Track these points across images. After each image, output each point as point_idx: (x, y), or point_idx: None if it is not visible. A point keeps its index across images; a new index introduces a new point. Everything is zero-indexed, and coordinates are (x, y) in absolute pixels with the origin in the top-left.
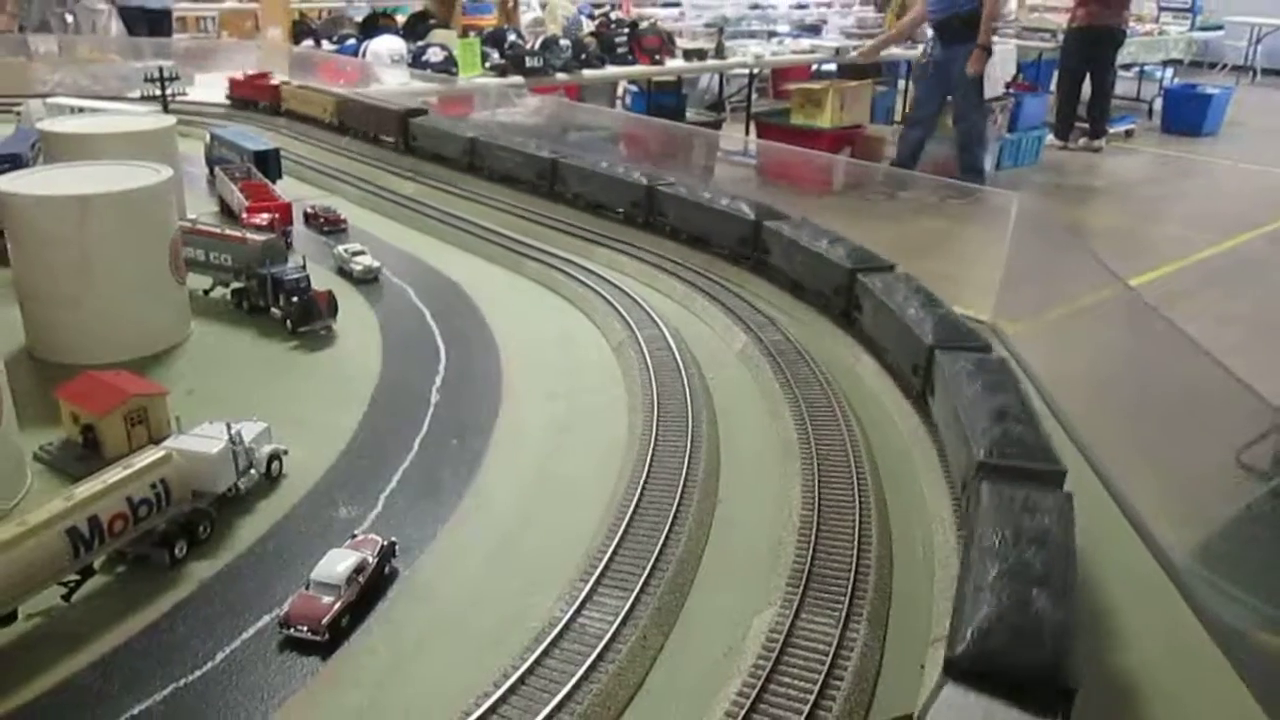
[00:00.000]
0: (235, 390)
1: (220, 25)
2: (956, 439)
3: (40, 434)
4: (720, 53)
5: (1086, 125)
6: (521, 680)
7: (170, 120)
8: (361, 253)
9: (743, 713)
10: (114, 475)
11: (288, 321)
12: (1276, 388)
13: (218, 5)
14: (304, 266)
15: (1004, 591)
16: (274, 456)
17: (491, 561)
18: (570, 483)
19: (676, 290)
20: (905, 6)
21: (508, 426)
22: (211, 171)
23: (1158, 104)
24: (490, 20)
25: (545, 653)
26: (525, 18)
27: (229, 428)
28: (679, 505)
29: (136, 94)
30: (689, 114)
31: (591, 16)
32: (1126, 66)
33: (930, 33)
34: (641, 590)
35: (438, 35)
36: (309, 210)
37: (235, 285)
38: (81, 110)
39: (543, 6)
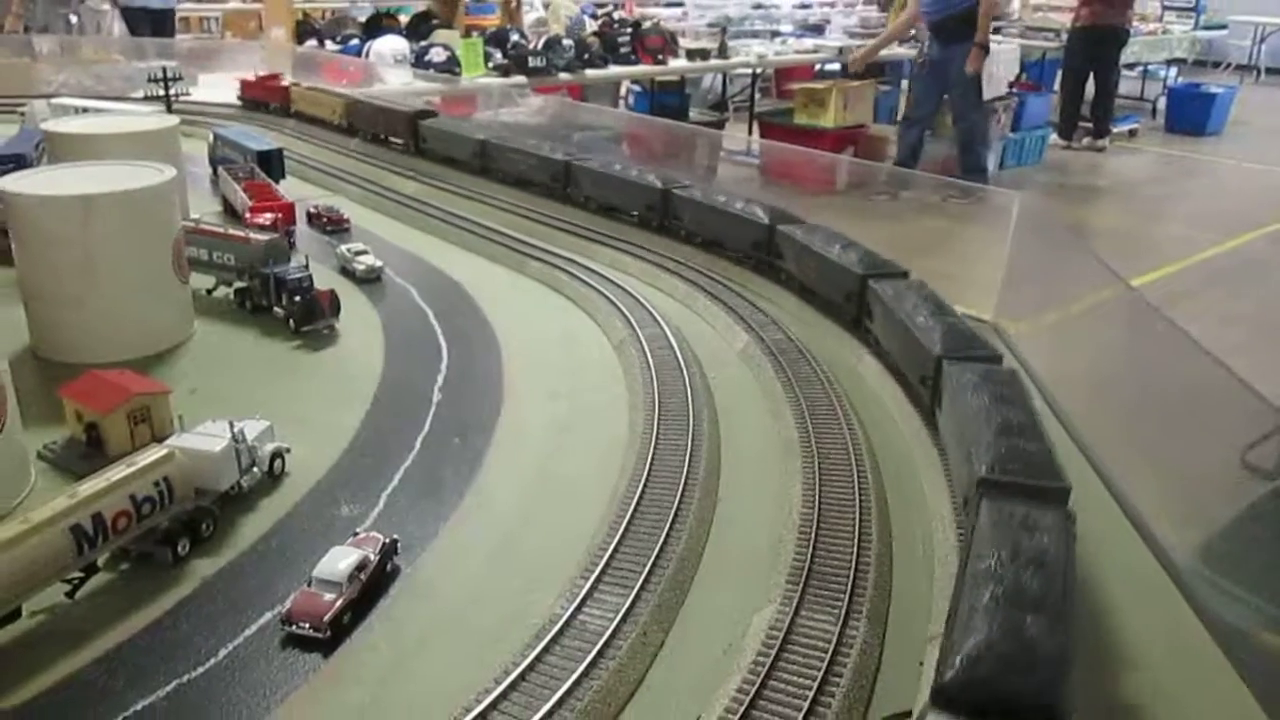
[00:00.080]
0: (238, 389)
1: (224, 25)
2: (960, 453)
3: (44, 433)
4: (723, 52)
5: (1090, 125)
6: (522, 677)
7: (173, 120)
8: (364, 252)
9: (742, 709)
10: (117, 473)
11: (290, 321)
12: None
13: (221, 6)
14: (307, 266)
15: (997, 616)
16: (276, 455)
17: (493, 559)
18: (571, 481)
19: (679, 289)
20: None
21: (509, 425)
22: (215, 171)
23: (1161, 103)
24: (493, 20)
25: (546, 649)
26: (528, 18)
27: (232, 426)
28: (680, 503)
29: (140, 94)
30: (692, 114)
31: (594, 16)
32: (1130, 66)
33: (926, 32)
34: (642, 587)
35: (441, 35)
36: (312, 210)
37: (238, 285)
38: (85, 110)
39: (545, 6)
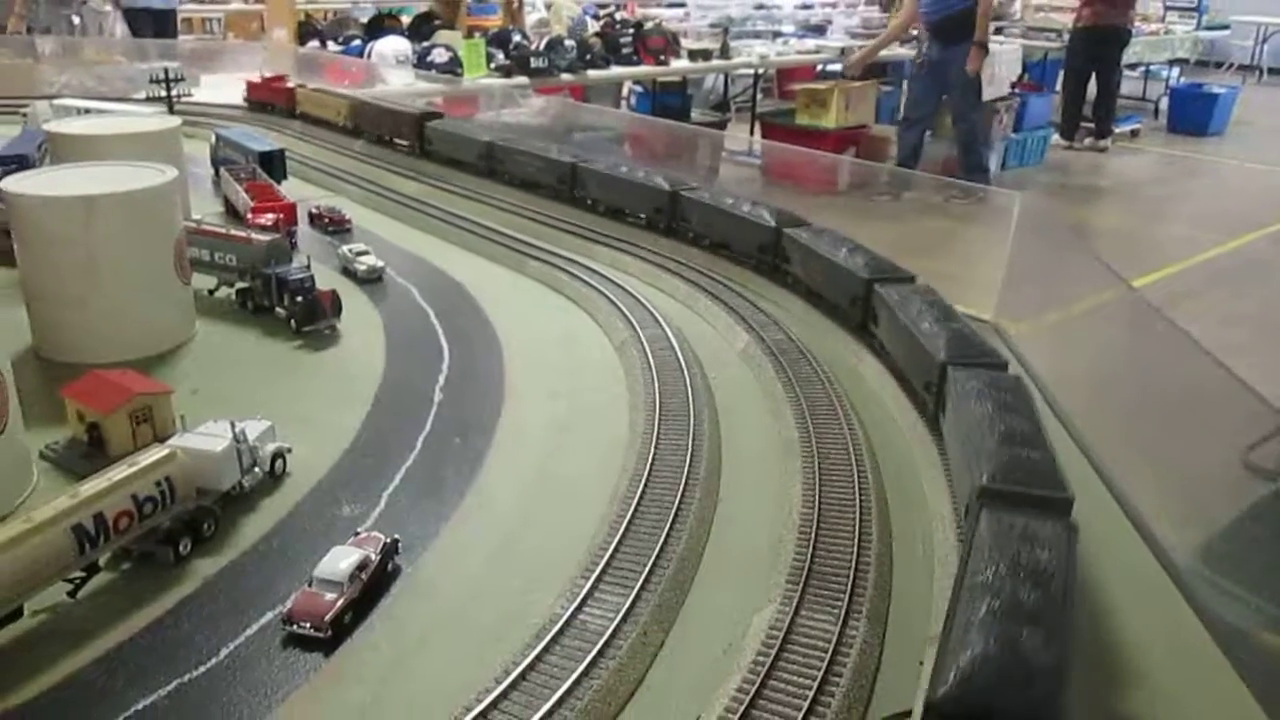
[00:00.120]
0: (240, 389)
1: (226, 26)
2: (963, 461)
3: (46, 432)
4: (725, 53)
5: (1092, 125)
6: (523, 676)
7: (175, 121)
8: (366, 253)
9: (742, 709)
10: (119, 473)
11: (292, 321)
12: None
13: (223, 7)
14: (308, 266)
15: (993, 630)
16: (278, 455)
17: (493, 559)
18: (572, 481)
19: (680, 290)
20: None
21: (510, 425)
22: (217, 172)
23: (1163, 103)
24: (495, 21)
25: (546, 649)
26: (530, 18)
27: (233, 426)
28: (680, 503)
29: (142, 95)
30: (694, 114)
31: (596, 17)
32: (1132, 66)
33: (924, 33)
34: (642, 587)
35: (443, 36)
36: (313, 210)
37: (240, 285)
38: (88, 111)
39: (548, 7)
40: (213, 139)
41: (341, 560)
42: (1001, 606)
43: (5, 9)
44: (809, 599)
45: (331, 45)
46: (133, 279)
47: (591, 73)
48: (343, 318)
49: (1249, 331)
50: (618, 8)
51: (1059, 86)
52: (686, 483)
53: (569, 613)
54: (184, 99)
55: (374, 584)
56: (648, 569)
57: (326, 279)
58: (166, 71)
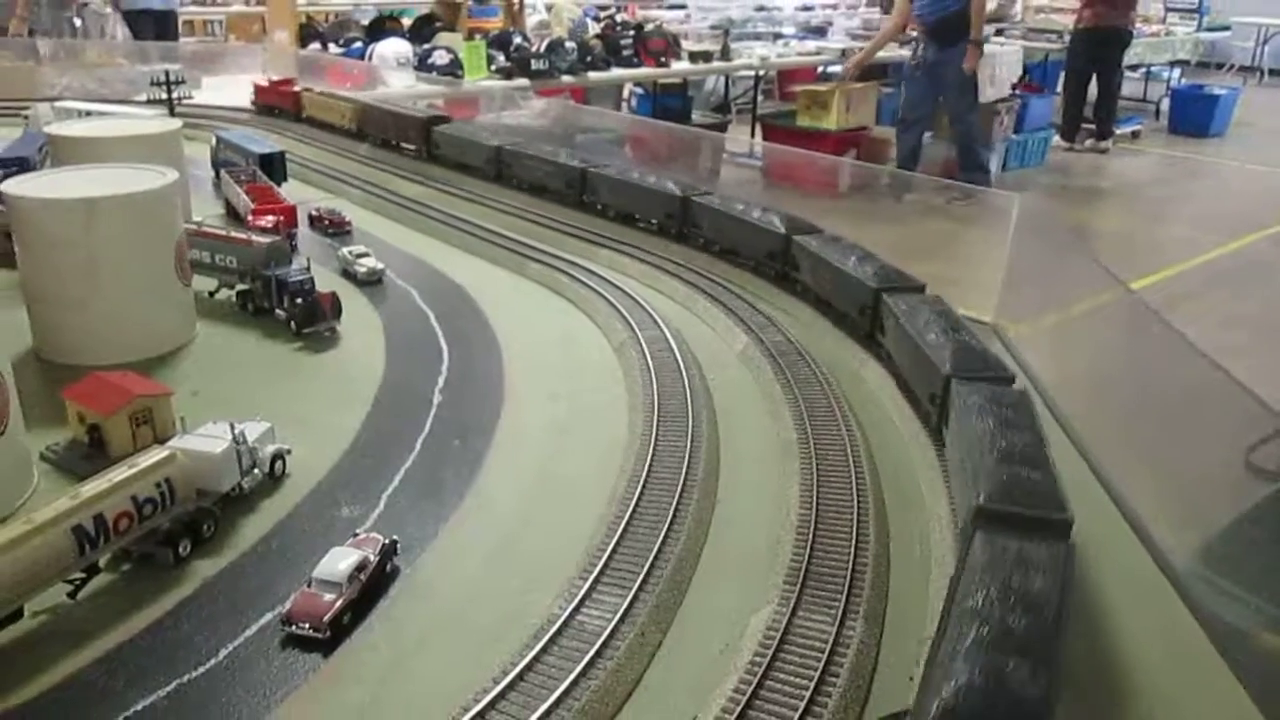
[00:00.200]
0: (240, 391)
1: (227, 28)
2: (962, 478)
3: (47, 434)
4: (726, 55)
5: (1093, 126)
6: (521, 677)
7: (176, 124)
8: (366, 255)
9: (739, 709)
10: (119, 474)
11: (292, 323)
12: None
13: (225, 9)
14: (308, 269)
15: (978, 661)
16: (277, 456)
17: (492, 560)
18: (570, 483)
19: (679, 291)
20: None
21: (509, 427)
22: (217, 174)
23: (1164, 105)
24: (496, 23)
25: (544, 649)
26: (531, 20)
27: (233, 428)
28: (678, 504)
29: (143, 97)
30: (694, 116)
31: (597, 19)
32: (1133, 67)
33: (919, 35)
34: (640, 588)
35: (443, 38)
36: (314, 213)
37: (240, 287)
38: (89, 114)
39: (548, 9)
40: (213, 141)
41: (340, 561)
42: (989, 635)
43: (6, 11)
44: (806, 600)
45: (333, 47)
46: (133, 281)
47: (592, 75)
48: (343, 320)
49: (1250, 333)
50: (618, 10)
51: (1060, 88)
52: (684, 484)
53: (567, 613)
54: (185, 101)
55: (373, 585)
56: (646, 570)
57: (326, 281)
58: (167, 74)
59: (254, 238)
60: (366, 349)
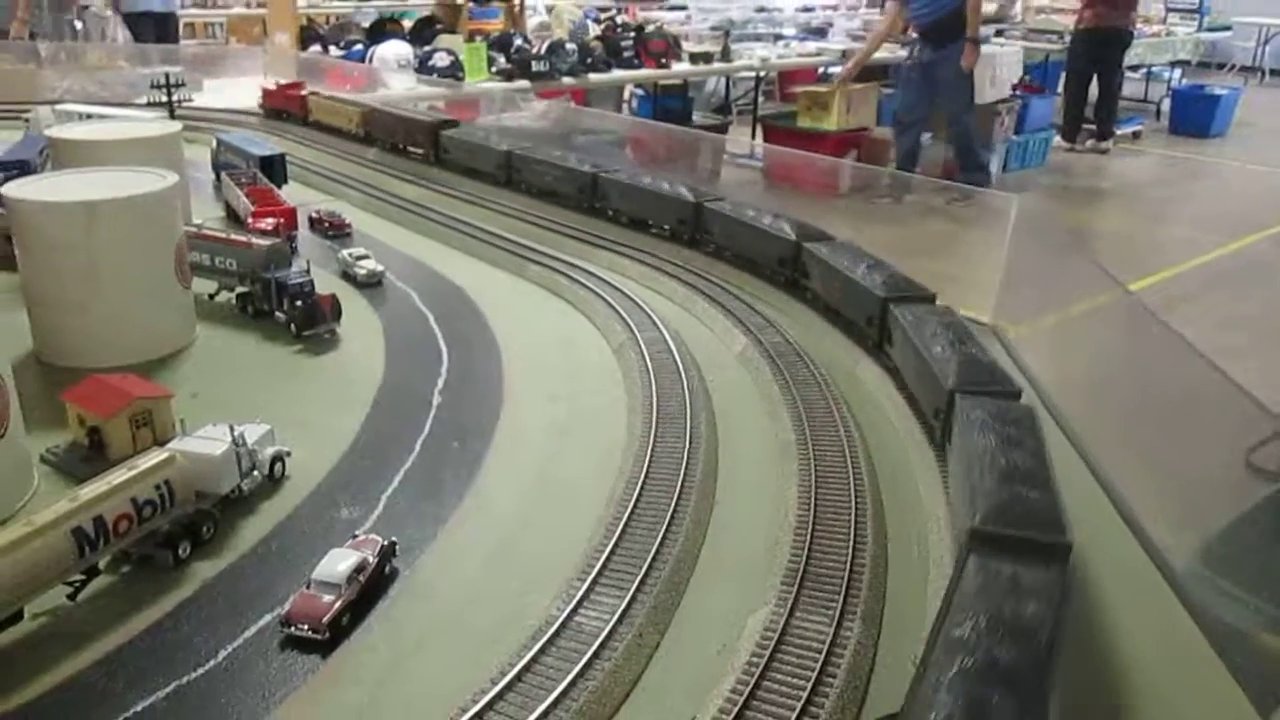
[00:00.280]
0: (239, 393)
1: (228, 31)
2: (961, 497)
3: (47, 436)
4: (726, 56)
5: (1094, 127)
6: (519, 678)
7: (176, 126)
8: (365, 257)
9: (736, 709)
10: (119, 477)
11: (292, 325)
12: None
13: (225, 11)
14: (308, 271)
15: (961, 695)
16: (277, 458)
17: (491, 561)
18: (569, 484)
19: (677, 293)
20: None
21: (508, 428)
22: (218, 176)
23: (1165, 105)
24: (496, 25)
25: (542, 650)
26: (531, 22)
27: (232, 430)
28: (676, 505)
29: (143, 100)
30: (695, 117)
31: (597, 20)
32: (1134, 68)
33: (915, 36)
34: (638, 589)
35: (444, 40)
36: (314, 215)
37: (240, 289)
38: (89, 116)
39: (549, 11)
40: (214, 143)
41: (339, 563)
42: (975, 667)
43: (7, 14)
44: (804, 600)
45: (333, 50)
46: (133, 284)
47: (593, 76)
48: (342, 322)
49: (1250, 334)
50: (619, 11)
51: (1060, 88)
52: (683, 485)
53: (565, 615)
54: (185, 104)
55: (372, 586)
56: (644, 571)
57: (326, 283)
58: (167, 77)
59: (254, 240)
60: (366, 351)
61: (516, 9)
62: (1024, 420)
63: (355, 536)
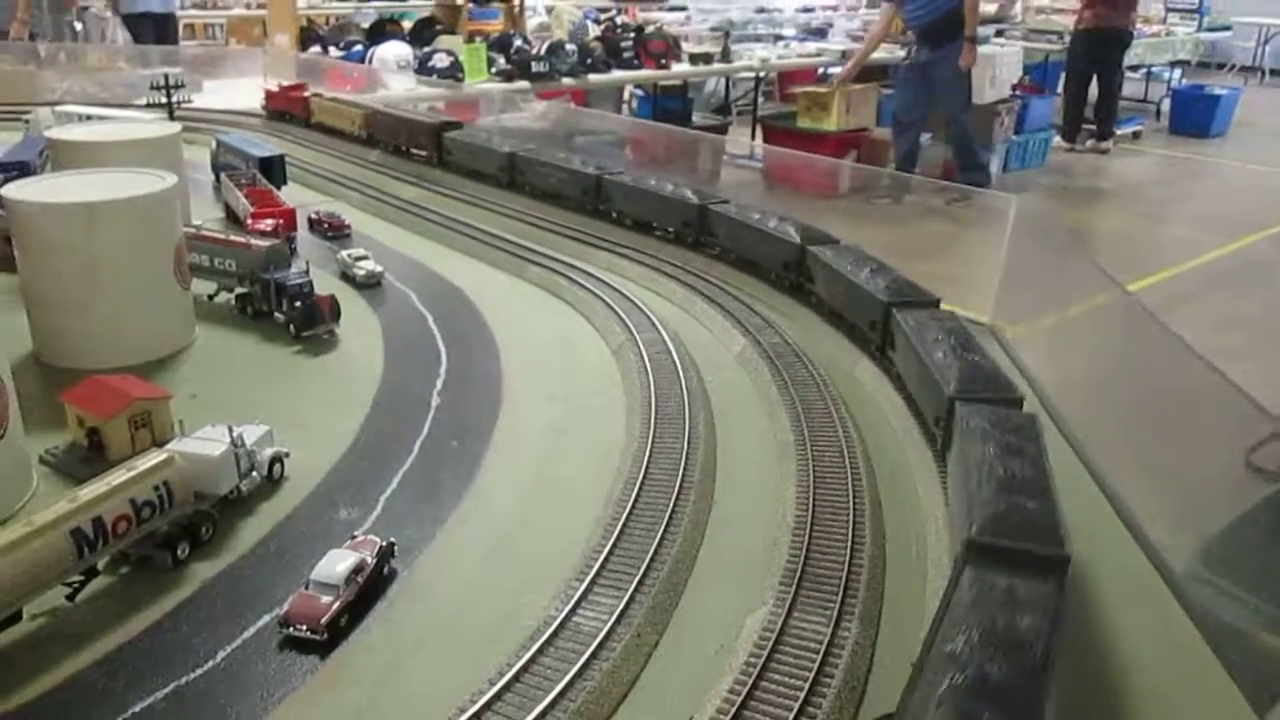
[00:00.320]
0: (238, 394)
1: (228, 32)
2: (959, 506)
3: (47, 437)
4: (726, 56)
5: (1093, 127)
6: (517, 678)
7: (176, 128)
8: (365, 258)
9: (734, 709)
10: (117, 478)
11: (291, 326)
12: None
13: (225, 12)
14: (307, 271)
15: (952, 712)
16: (276, 459)
17: (489, 561)
18: (568, 484)
19: (676, 294)
20: None
21: (507, 429)
22: (217, 177)
23: (1165, 105)
24: (496, 25)
25: (541, 651)
26: (531, 23)
27: (231, 431)
28: (675, 505)
29: (143, 101)
30: (695, 118)
31: (597, 21)
32: (1134, 68)
33: (912, 37)
34: (636, 589)
35: (444, 41)
36: (313, 216)
37: (239, 290)
38: (89, 118)
39: (549, 11)
40: (213, 144)
41: (338, 563)
42: (966, 682)
43: (7, 15)
44: (802, 600)
45: (333, 50)
46: (133, 285)
47: (592, 77)
48: (341, 323)
49: (1250, 334)
50: (619, 12)
51: (1060, 89)
52: (681, 485)
53: (563, 615)
54: (184, 105)
55: (370, 587)
56: (642, 571)
57: (325, 284)
58: (166, 78)
59: (253, 241)
60: (365, 351)
61: (516, 10)
62: (1025, 428)
63: (354, 537)
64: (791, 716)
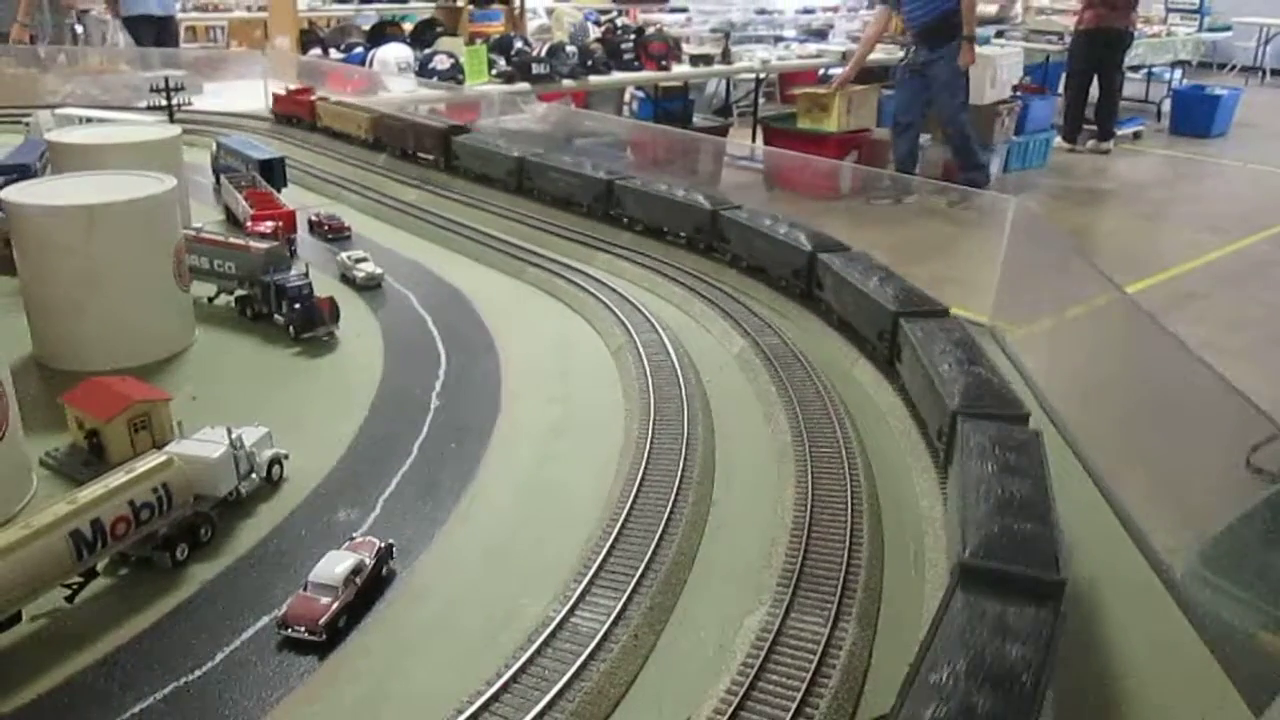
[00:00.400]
0: (238, 396)
1: (229, 34)
2: (956, 525)
3: (47, 439)
4: (727, 58)
5: (1094, 127)
6: (515, 679)
7: (175, 130)
8: (364, 260)
9: (730, 710)
10: (116, 479)
11: (290, 328)
12: None
13: (226, 14)
14: (307, 273)
15: None
16: (275, 461)
17: (487, 563)
18: (566, 485)
19: (675, 295)
20: None
21: (506, 430)
22: (218, 180)
23: (1166, 106)
24: (497, 27)
25: (539, 651)
26: (532, 25)
27: (230, 432)
28: (673, 506)
29: (144, 104)
30: (696, 119)
31: (598, 23)
32: (1134, 68)
33: (910, 38)
34: (634, 590)
35: (445, 43)
36: (313, 218)
37: (239, 292)
38: (89, 120)
39: (549, 13)
40: (214, 147)
41: (336, 565)
42: (949, 716)
43: (8, 18)
44: (799, 601)
45: (334, 53)
46: (133, 287)
47: (593, 78)
48: (341, 324)
49: (1252, 334)
50: (619, 13)
51: (1061, 89)
52: (679, 486)
53: (561, 615)
54: (185, 108)
55: (368, 588)
56: (640, 572)
57: (325, 286)
58: (166, 80)
59: (252, 243)
60: (365, 353)
61: (517, 12)
62: (1027, 446)
63: (352, 539)
64: (788, 717)
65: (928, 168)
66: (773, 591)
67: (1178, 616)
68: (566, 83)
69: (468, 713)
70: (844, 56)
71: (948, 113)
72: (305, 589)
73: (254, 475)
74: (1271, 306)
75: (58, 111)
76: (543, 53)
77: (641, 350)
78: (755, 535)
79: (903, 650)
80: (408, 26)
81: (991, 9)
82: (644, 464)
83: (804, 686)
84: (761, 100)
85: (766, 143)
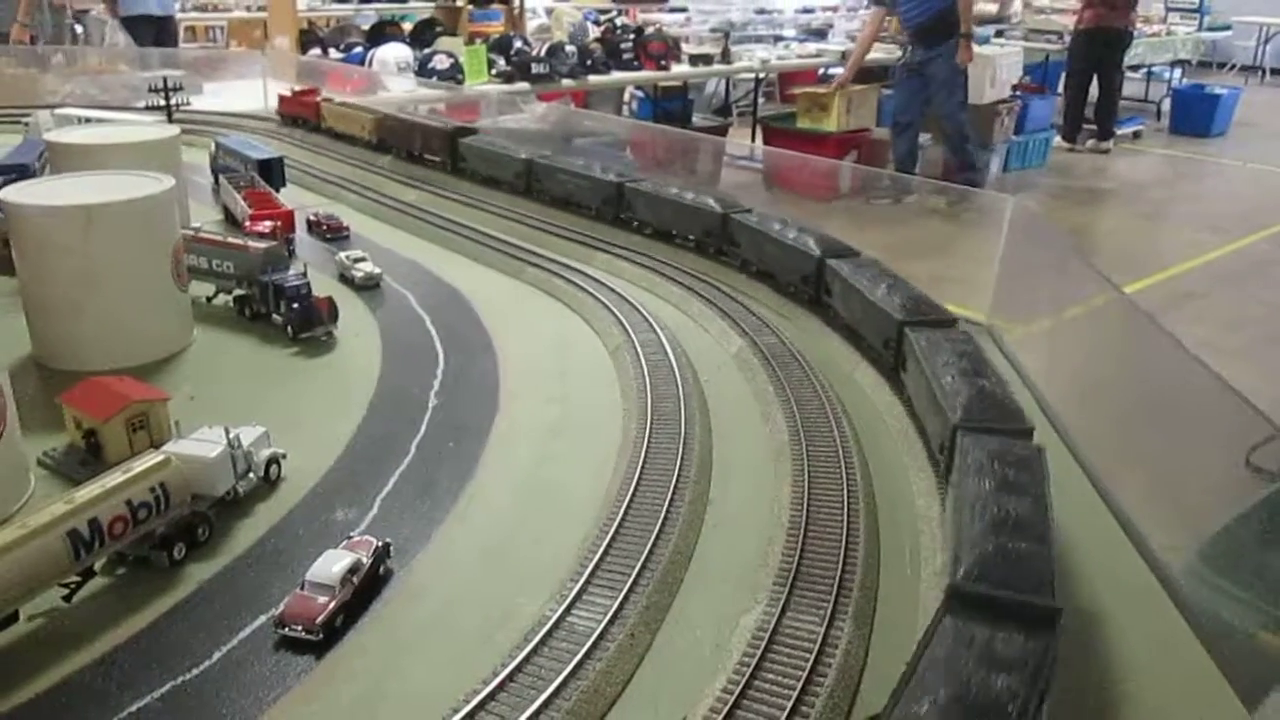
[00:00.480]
0: (236, 395)
1: (229, 34)
2: (951, 546)
3: (45, 439)
4: (726, 58)
5: (1094, 127)
6: (511, 678)
7: (174, 130)
8: (363, 259)
9: (726, 709)
10: (114, 479)
11: (289, 328)
12: None
13: (226, 14)
14: (305, 273)
15: None
16: (272, 460)
17: (485, 562)
18: (564, 485)
19: (674, 294)
20: None
21: (504, 430)
22: (216, 180)
23: (1166, 105)
24: (496, 27)
25: (535, 650)
26: (531, 24)
27: (228, 432)
28: (670, 506)
29: (142, 104)
30: (695, 119)
31: (597, 23)
32: (1134, 68)
33: (907, 37)
34: (631, 589)
35: (444, 43)
36: (312, 218)
37: (237, 292)
38: (88, 120)
39: (549, 13)
40: (213, 146)
41: (334, 564)
42: None
43: (8, 18)
44: (795, 600)
45: (333, 52)
46: (131, 287)
47: (593, 78)
48: (339, 324)
49: (1252, 334)
50: (619, 13)
51: (1060, 89)
52: (676, 486)
53: (557, 615)
54: (183, 108)
55: (366, 587)
56: (636, 571)
57: (324, 286)
58: (165, 80)
59: (251, 243)
60: (363, 353)
61: (516, 11)
62: (1028, 462)
63: (350, 538)
64: (784, 716)
65: (927, 167)
66: (769, 590)
67: (1175, 617)
68: (566, 82)
69: (464, 711)
70: (843, 56)
71: (946, 111)
72: (302, 588)
73: (251, 475)
74: (1271, 306)
75: (57, 111)
76: (542, 52)
77: (639, 350)
78: (752, 534)
79: (898, 649)
80: (407, 26)
81: (991, 8)
82: (641, 463)
83: (800, 685)
84: (761, 100)
85: (766, 142)
